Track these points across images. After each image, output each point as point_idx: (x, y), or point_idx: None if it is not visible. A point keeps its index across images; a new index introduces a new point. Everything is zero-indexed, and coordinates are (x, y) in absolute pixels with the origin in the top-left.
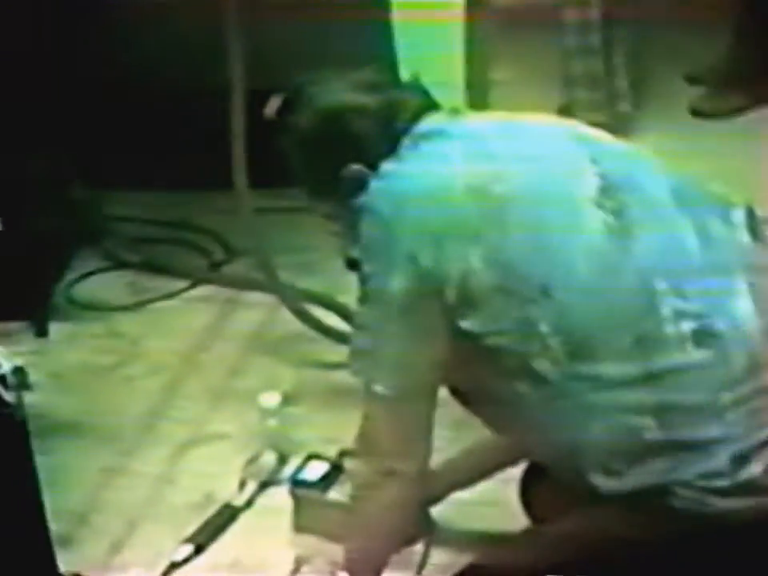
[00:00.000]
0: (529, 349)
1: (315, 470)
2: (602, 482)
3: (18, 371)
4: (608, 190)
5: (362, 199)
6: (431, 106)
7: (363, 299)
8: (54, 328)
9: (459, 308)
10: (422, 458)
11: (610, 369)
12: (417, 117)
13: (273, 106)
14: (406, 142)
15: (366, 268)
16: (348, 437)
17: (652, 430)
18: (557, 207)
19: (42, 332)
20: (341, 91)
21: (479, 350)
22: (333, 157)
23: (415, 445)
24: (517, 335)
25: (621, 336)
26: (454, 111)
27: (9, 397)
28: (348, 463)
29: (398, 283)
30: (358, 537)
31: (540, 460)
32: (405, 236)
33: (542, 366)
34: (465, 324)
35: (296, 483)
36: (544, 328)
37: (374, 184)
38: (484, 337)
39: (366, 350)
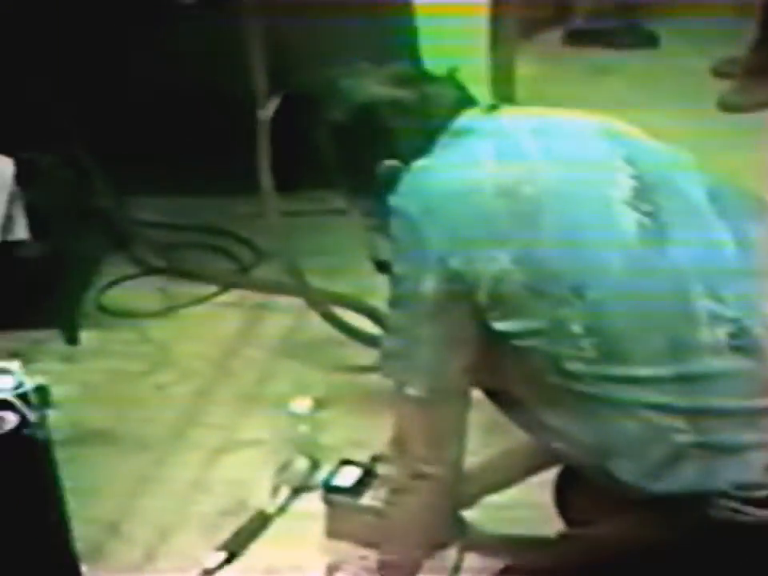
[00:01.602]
0: (561, 350)
1: (348, 476)
2: (635, 486)
3: (41, 390)
4: (643, 191)
5: (393, 199)
6: (468, 101)
7: (394, 301)
8: (85, 335)
9: (491, 309)
10: (455, 461)
11: (643, 370)
12: (453, 112)
13: (270, 108)
14: (441, 138)
15: (397, 269)
16: (380, 441)
17: (684, 433)
18: (590, 208)
19: (72, 340)
20: (375, 85)
21: (511, 351)
22: (367, 152)
23: (448, 447)
24: (549, 336)
25: (654, 338)
26: (491, 107)
27: (31, 416)
28: (381, 468)
29: (428, 285)
30: (391, 542)
31: (573, 463)
32: (435, 237)
33: (573, 366)
34: (497, 325)
35: (328, 489)
36: (576, 329)
37: (405, 183)
38: (516, 338)
39: (397, 352)
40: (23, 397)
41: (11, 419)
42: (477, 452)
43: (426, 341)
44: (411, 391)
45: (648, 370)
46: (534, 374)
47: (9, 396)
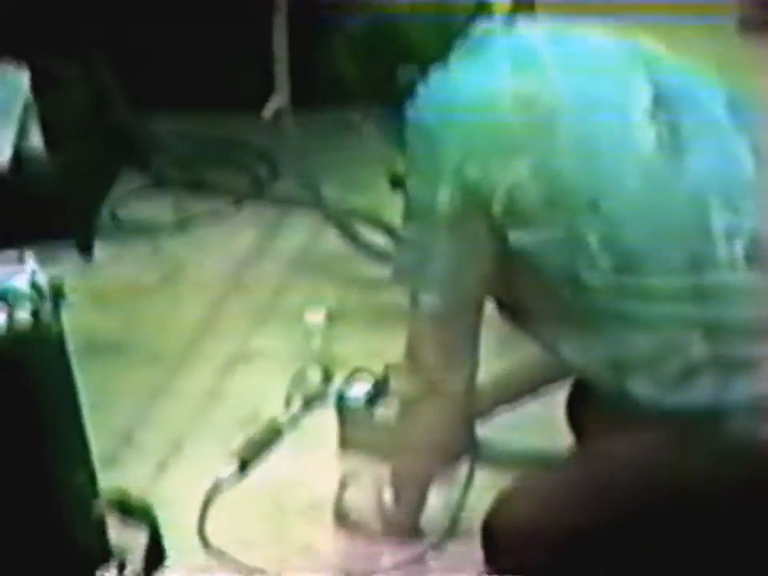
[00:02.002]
0: (576, 262)
1: (361, 387)
2: (650, 401)
3: (55, 283)
4: (662, 103)
5: (409, 110)
6: (486, 9)
7: (408, 213)
8: (99, 248)
9: (506, 221)
10: (468, 373)
11: (659, 283)
12: (470, 20)
13: (271, 107)
14: (457, 47)
15: (412, 181)
16: (393, 354)
17: (699, 346)
18: (607, 119)
19: (86, 253)
20: None
21: (526, 263)
22: (384, 62)
23: (460, 359)
24: (564, 249)
25: (671, 251)
26: (509, 16)
27: (45, 310)
28: (394, 379)
29: (443, 197)
30: (403, 454)
31: (586, 376)
32: (451, 147)
33: (589, 280)
34: (512, 238)
35: (342, 400)
36: (592, 241)
37: (421, 92)
38: (531, 250)
39: (411, 265)
40: (38, 291)
41: (24, 313)
42: (489, 365)
43: (441, 253)
44: (425, 304)
45: (664, 282)
46: (549, 287)
47: (22, 286)
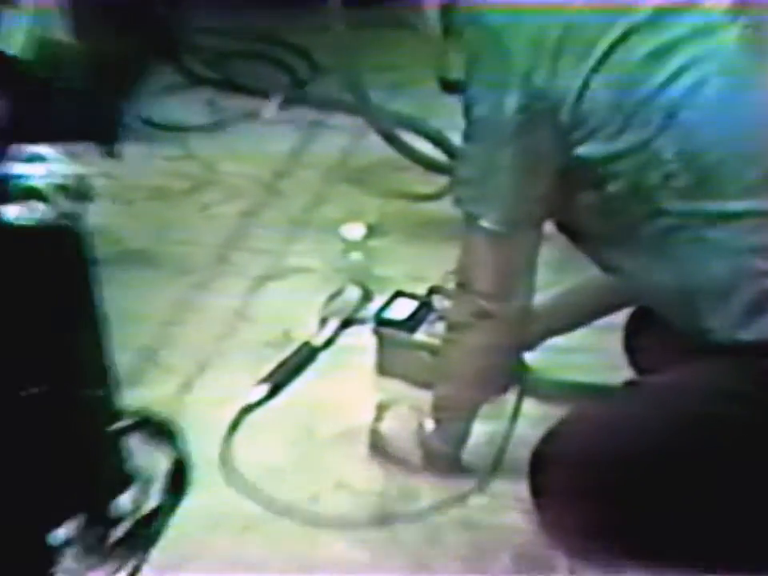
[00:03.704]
0: (648, 178)
1: (402, 308)
2: (719, 332)
3: (80, 179)
4: (744, 4)
5: (472, 8)
6: None
7: (471, 123)
8: (125, 150)
9: (574, 131)
10: (524, 299)
11: (736, 205)
12: None
13: (271, 107)
14: None
15: (474, 87)
16: (437, 273)
17: None
18: (686, 20)
19: (112, 154)
20: None
21: (593, 178)
22: None
23: (517, 285)
24: (635, 161)
25: (749, 169)
26: None
27: (67, 207)
28: (437, 301)
29: (510, 103)
30: (446, 382)
31: (651, 303)
32: (519, 49)
33: (661, 198)
34: (579, 149)
35: (380, 322)
36: (667, 154)
37: None
38: (599, 163)
39: (471, 180)
40: (62, 188)
41: (44, 210)
42: (544, 289)
43: (504, 167)
44: (484, 223)
45: (741, 204)
46: (616, 207)
47: (42, 184)
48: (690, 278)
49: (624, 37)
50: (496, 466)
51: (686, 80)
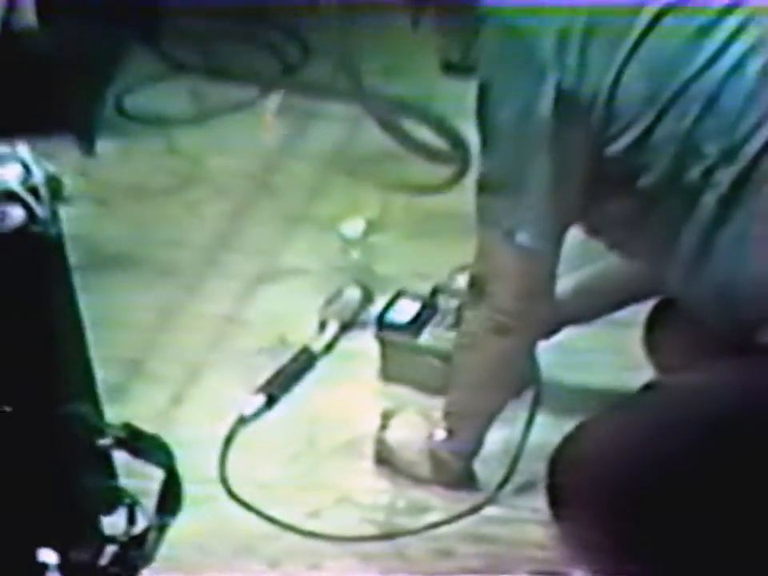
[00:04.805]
0: (689, 173)
1: (405, 310)
2: (755, 327)
3: (52, 180)
4: None
5: (491, 9)
6: None
7: (494, 130)
8: (102, 144)
9: (608, 127)
10: (544, 312)
11: None
12: None
13: (272, 104)
14: None
15: (497, 92)
16: (442, 271)
17: None
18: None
19: (88, 149)
20: None
21: (627, 176)
22: None
23: (539, 302)
24: (674, 159)
25: None
26: None
27: (41, 211)
28: (442, 301)
29: (543, 106)
30: (461, 389)
31: (683, 297)
32: (543, 43)
33: (701, 189)
34: (612, 148)
35: (383, 325)
36: (709, 149)
37: None
38: (634, 159)
39: (504, 190)
40: (32, 190)
41: (17, 214)
42: (563, 275)
43: (540, 174)
44: (521, 238)
45: None
46: (652, 207)
47: (15, 187)
48: (733, 274)
49: (655, 21)
50: (510, 475)
51: (725, 62)
